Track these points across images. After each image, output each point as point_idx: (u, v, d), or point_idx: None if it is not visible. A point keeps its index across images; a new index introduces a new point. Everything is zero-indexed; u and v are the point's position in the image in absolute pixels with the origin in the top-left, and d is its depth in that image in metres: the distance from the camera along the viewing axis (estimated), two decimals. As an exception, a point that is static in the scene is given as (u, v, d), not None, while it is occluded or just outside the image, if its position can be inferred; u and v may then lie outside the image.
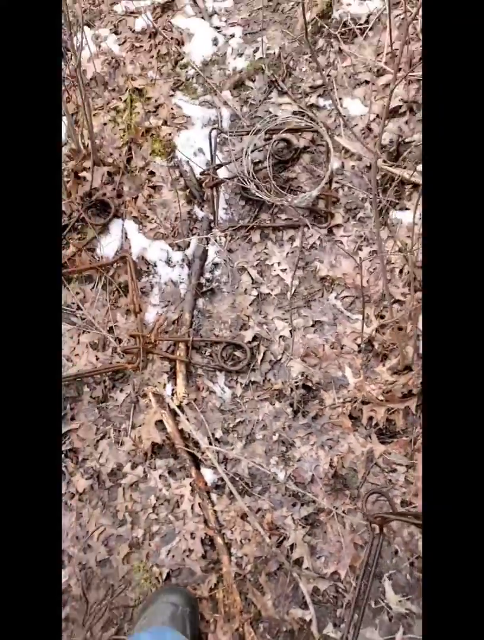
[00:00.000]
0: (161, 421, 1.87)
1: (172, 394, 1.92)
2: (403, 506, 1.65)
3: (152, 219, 2.20)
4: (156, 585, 1.66)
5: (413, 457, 1.72)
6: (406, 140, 2.15)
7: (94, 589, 1.70)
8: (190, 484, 1.78)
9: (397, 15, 2.38)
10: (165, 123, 2.38)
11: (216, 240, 2.15)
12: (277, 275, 2.07)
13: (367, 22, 2.43)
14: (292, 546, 1.67)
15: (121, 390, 1.97)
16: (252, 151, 2.19)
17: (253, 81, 2.50)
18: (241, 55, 2.59)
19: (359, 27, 2.42)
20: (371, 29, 2.41)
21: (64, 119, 2.39)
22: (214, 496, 1.77)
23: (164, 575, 1.67)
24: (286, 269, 2.07)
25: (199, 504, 1.75)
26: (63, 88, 2.39)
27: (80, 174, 2.24)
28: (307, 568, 1.63)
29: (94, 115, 2.39)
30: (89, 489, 1.83)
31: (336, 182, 2.16)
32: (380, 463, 1.74)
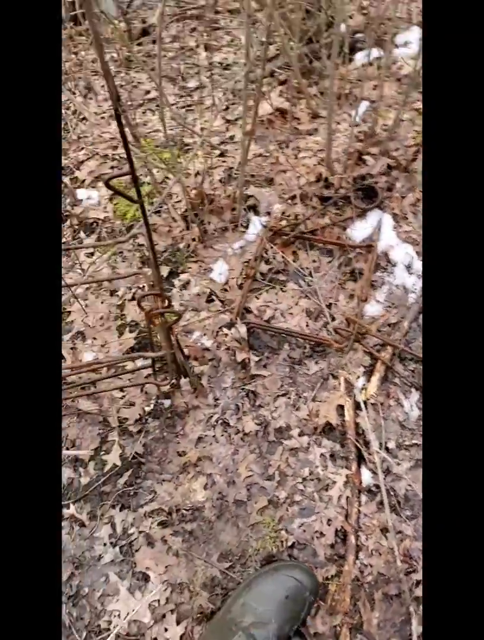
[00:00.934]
0: (342, 406, 1.90)
1: (363, 389, 1.94)
2: None
3: (411, 222, 2.21)
4: (278, 547, 1.71)
5: None
6: None
7: (223, 521, 1.79)
8: (346, 476, 1.79)
9: None
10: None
11: (464, 267, 2.10)
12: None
13: None
14: (418, 582, 1.62)
15: (316, 363, 2.02)
16: None
17: None
18: None
19: None
20: None
21: (366, 103, 2.47)
22: (363, 498, 1.76)
23: (289, 543, 1.71)
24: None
25: (347, 497, 1.75)
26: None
27: (364, 157, 2.30)
28: (425, 610, 1.58)
29: (392, 107, 2.43)
30: (254, 434, 1.92)
31: None
32: None
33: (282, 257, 2.21)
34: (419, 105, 2.50)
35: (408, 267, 2.14)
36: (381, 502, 1.74)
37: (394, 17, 3.08)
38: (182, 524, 1.77)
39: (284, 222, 2.28)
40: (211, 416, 1.95)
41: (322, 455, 1.85)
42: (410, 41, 2.90)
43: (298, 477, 1.83)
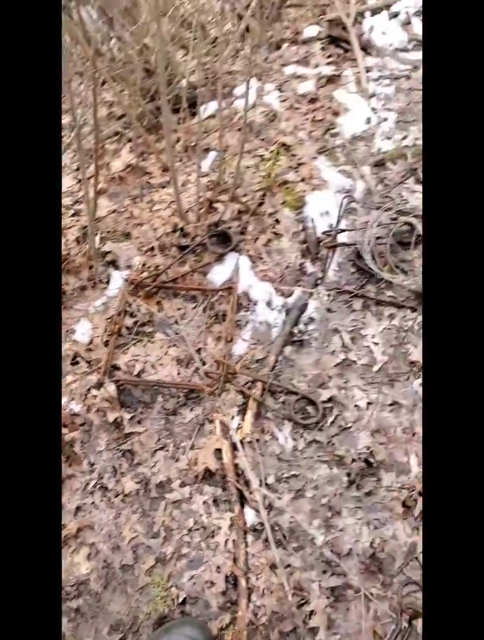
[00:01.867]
0: (219, 450, 1.92)
1: (238, 428, 1.96)
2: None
3: (266, 261, 2.31)
4: (169, 606, 1.67)
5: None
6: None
7: (110, 590, 1.73)
8: (230, 519, 1.79)
9: None
10: (302, 180, 2.51)
11: (318, 297, 2.22)
12: (368, 346, 2.10)
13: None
14: (311, 613, 1.64)
15: (191, 410, 2.04)
16: (376, 226, 2.27)
17: (394, 164, 2.61)
18: (389, 138, 2.71)
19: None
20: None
21: (213, 154, 2.58)
22: (250, 538, 1.77)
23: (180, 599, 1.68)
24: (378, 343, 2.10)
25: (233, 540, 1.75)
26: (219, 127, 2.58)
27: (214, 205, 2.39)
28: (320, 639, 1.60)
29: (243, 156, 2.55)
30: (135, 493, 1.88)
31: (450, 276, 2.19)
32: (420, 559, 1.69)
33: (147, 308, 2.23)
34: (261, 151, 2.64)
35: (268, 304, 2.22)
36: (267, 540, 1.75)
37: (232, 70, 3.27)
38: (66, 602, 1.69)
39: (145, 274, 2.30)
40: (88, 483, 1.90)
41: (205, 502, 1.85)
42: (248, 92, 3.07)
43: (184, 529, 1.81)
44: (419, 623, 1.56)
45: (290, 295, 2.25)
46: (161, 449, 1.96)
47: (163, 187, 2.62)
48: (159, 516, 1.84)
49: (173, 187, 2.26)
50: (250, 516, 1.81)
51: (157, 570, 1.75)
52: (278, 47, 3.41)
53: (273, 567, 1.71)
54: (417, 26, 3.55)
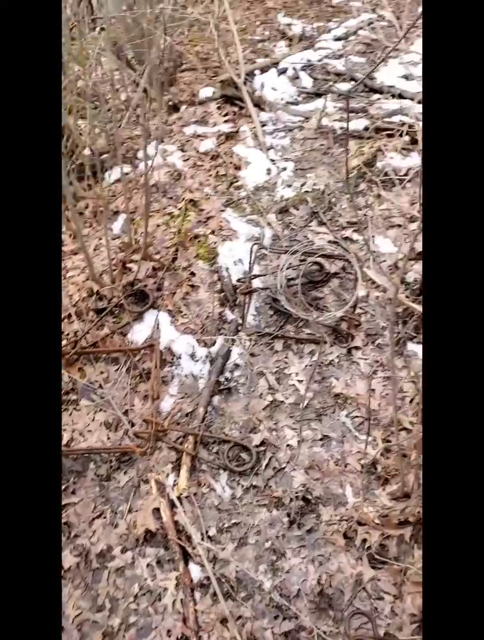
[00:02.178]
0: (158, 509, 1.89)
1: (174, 485, 1.95)
2: (385, 637, 1.61)
3: (185, 314, 2.35)
4: (122, 680, 1.61)
5: (402, 588, 1.70)
6: (431, 281, 2.30)
7: (58, 673, 1.64)
8: (176, 578, 1.76)
9: (435, 172, 2.64)
10: (212, 233, 2.60)
11: (240, 343, 2.27)
12: (294, 385, 2.16)
13: (406, 174, 2.70)
14: (268, 662, 1.62)
15: (125, 473, 2.01)
16: (287, 268, 2.36)
17: (297, 209, 2.74)
18: (289, 186, 2.86)
19: (398, 177, 2.68)
20: (409, 181, 2.67)
21: (123, 216, 2.64)
22: (197, 595, 1.74)
23: (133, 671, 1.62)
24: (302, 380, 2.16)
25: (181, 600, 1.72)
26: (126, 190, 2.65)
27: (128, 265, 2.43)
28: None
29: (150, 216, 2.62)
30: (75, 567, 1.82)
31: (360, 308, 2.30)
32: (368, 588, 1.71)
33: (69, 376, 2.21)
34: (170, 209, 2.73)
35: (192, 356, 2.25)
36: (215, 594, 1.73)
37: (134, 135, 3.37)
38: None
39: (63, 342, 2.29)
40: (24, 562, 1.82)
41: (148, 565, 1.81)
42: (146, 153, 3.18)
43: (129, 597, 1.76)
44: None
45: (213, 344, 2.29)
46: (98, 516, 1.92)
47: (75, 254, 2.64)
48: (103, 587, 1.78)
49: (84, 253, 2.28)
50: (195, 572, 1.78)
51: (106, 645, 1.69)
52: (177, 109, 3.57)
53: (224, 621, 1.68)
54: (305, 80, 3.81)
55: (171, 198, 2.83)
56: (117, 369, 2.25)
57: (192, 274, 2.48)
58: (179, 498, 1.91)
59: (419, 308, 2.18)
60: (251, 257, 2.46)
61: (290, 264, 2.40)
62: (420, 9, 4.74)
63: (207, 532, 1.86)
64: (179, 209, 2.72)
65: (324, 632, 1.64)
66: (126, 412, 2.13)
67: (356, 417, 2.07)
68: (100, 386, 2.19)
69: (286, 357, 2.24)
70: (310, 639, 1.64)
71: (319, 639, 1.63)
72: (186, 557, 1.82)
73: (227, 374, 2.22)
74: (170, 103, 3.60)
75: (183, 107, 3.57)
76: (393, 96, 3.43)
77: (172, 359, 2.26)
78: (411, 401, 2.04)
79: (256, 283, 2.44)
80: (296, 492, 1.89)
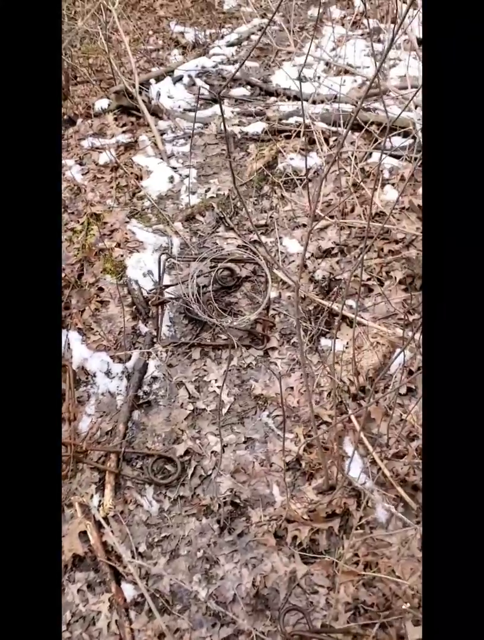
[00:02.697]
0: (84, 532, 1.84)
1: (99, 505, 1.90)
2: (322, 629, 1.64)
3: (96, 331, 2.30)
4: None
5: (334, 579, 1.73)
6: (337, 277, 2.38)
7: None
8: (109, 599, 1.72)
9: (333, 171, 2.73)
10: (118, 245, 2.57)
11: (157, 355, 2.25)
12: (214, 391, 2.16)
13: (307, 174, 2.77)
14: (210, 673, 1.61)
15: (47, 499, 1.94)
16: (198, 276, 2.36)
17: (203, 216, 2.76)
18: (193, 193, 2.87)
19: (299, 178, 2.74)
20: (310, 180, 2.74)
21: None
22: (132, 613, 1.70)
23: None
24: (222, 386, 2.17)
25: (116, 621, 1.68)
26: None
27: (32, 285, 2.35)
28: None
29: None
30: (1, 604, 1.74)
31: (273, 309, 2.34)
32: (302, 584, 1.74)
33: (-21, 406, 2.10)
34: (72, 225, 2.66)
35: (107, 373, 2.21)
36: (150, 610, 1.70)
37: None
38: None
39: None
40: None
41: (79, 590, 1.76)
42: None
43: (62, 625, 1.70)
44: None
45: (128, 359, 2.26)
46: (22, 549, 1.84)
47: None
48: (33, 622, 1.71)
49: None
50: (129, 591, 1.74)
51: (41, 682, 1.62)
52: (73, 123, 3.49)
53: (161, 636, 1.65)
54: (201, 87, 3.83)
55: (72, 213, 2.77)
56: (30, 394, 2.16)
57: (100, 289, 2.43)
58: (105, 518, 1.87)
59: (327, 304, 2.25)
60: (160, 267, 2.44)
61: (201, 271, 2.40)
62: (309, 12, 4.89)
63: (137, 549, 1.82)
64: (82, 223, 2.66)
65: (262, 633, 1.65)
66: (43, 437, 2.06)
67: (278, 416, 2.10)
68: (13, 413, 2.10)
69: (204, 365, 2.24)
70: (249, 642, 1.64)
71: (258, 640, 1.64)
72: (118, 577, 1.78)
73: (146, 388, 2.19)
74: (65, 117, 3.52)
75: (79, 120, 3.50)
76: (288, 98, 3.51)
77: (87, 377, 2.21)
78: (328, 395, 2.10)
79: (168, 293, 2.42)
80: (224, 498, 1.90)
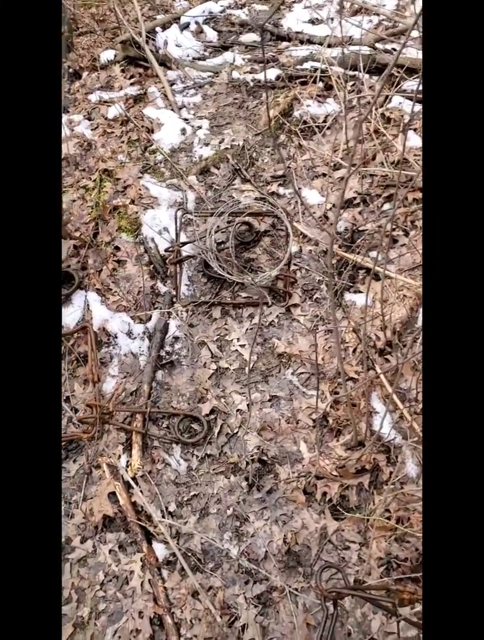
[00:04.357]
0: (113, 493, 1.84)
1: (127, 466, 1.90)
2: (355, 585, 1.64)
3: (115, 291, 2.26)
4: (99, 670, 1.58)
5: (366, 534, 1.73)
6: (360, 228, 2.30)
7: (32, 674, 1.59)
8: (141, 559, 1.73)
9: (351, 117, 2.61)
10: (132, 202, 2.49)
11: (177, 315, 2.21)
12: (236, 350, 2.13)
13: (325, 121, 2.66)
14: (244, 627, 1.62)
15: (74, 461, 1.94)
16: (215, 232, 2.30)
17: (218, 168, 2.66)
18: (207, 145, 2.77)
19: (317, 125, 2.63)
20: (328, 128, 2.63)
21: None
22: (165, 572, 1.72)
23: (109, 658, 1.59)
24: (245, 345, 2.13)
25: (149, 580, 1.69)
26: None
27: (47, 246, 2.30)
28: (259, 650, 1.58)
29: (63, 192, 2.48)
30: (34, 565, 1.75)
31: (294, 265, 2.28)
32: (333, 540, 1.73)
33: (1, 370, 2.09)
34: (84, 182, 2.58)
35: (129, 334, 2.18)
36: (183, 569, 1.71)
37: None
38: None
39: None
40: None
41: (111, 551, 1.77)
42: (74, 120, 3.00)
43: (95, 585, 1.71)
44: (346, 603, 1.60)
45: (149, 319, 2.22)
46: (52, 511, 1.85)
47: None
48: (67, 579, 1.73)
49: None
50: (160, 550, 1.75)
51: (78, 637, 1.64)
52: (78, 76, 3.36)
53: (195, 594, 1.67)
54: (210, 33, 3.67)
55: (83, 170, 2.69)
56: (51, 356, 2.14)
57: (117, 248, 2.37)
58: (134, 478, 1.87)
59: (352, 257, 2.18)
60: (176, 223, 2.37)
61: (218, 226, 2.33)
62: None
63: (167, 508, 1.82)
64: (94, 180, 2.58)
65: (296, 589, 1.65)
66: (67, 399, 2.05)
67: (302, 373, 2.06)
68: (36, 376, 2.09)
69: (225, 324, 2.19)
70: (283, 597, 1.65)
71: (291, 596, 1.65)
72: (149, 536, 1.78)
73: (168, 348, 2.16)
74: (70, 70, 3.39)
75: (85, 74, 3.37)
76: (301, 42, 3.36)
77: (109, 339, 2.17)
78: (354, 351, 2.05)
79: (186, 251, 2.36)
80: (252, 455, 1.88)
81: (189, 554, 1.74)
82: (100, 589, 1.71)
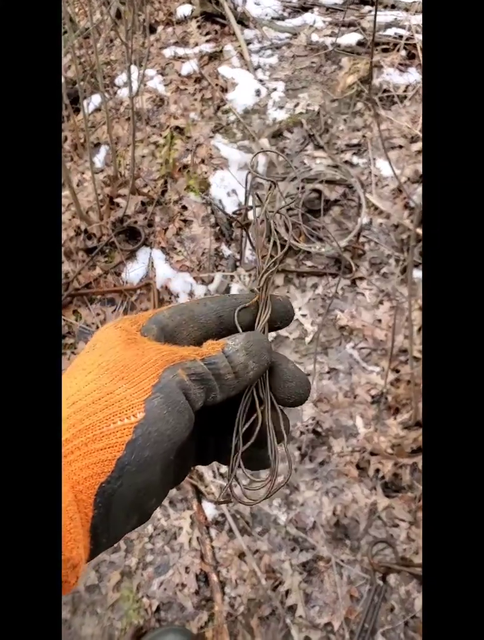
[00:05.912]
0: (167, 450, 1.86)
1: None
2: (402, 563, 1.63)
3: (180, 251, 2.25)
4: (144, 617, 1.62)
5: (417, 514, 1.70)
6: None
7: (80, 614, 1.65)
8: (190, 516, 1.75)
9: (434, 88, 2.50)
10: (202, 162, 2.46)
11: (240, 279, 2.19)
12: (297, 319, 2.10)
13: (405, 91, 2.56)
14: (287, 592, 1.63)
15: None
16: (285, 197, 2.25)
17: (291, 133, 2.60)
18: (281, 108, 2.70)
19: (397, 95, 2.53)
20: (409, 98, 2.53)
21: (105, 147, 2.48)
22: (213, 532, 1.74)
23: (154, 608, 1.63)
24: (306, 315, 2.10)
25: (197, 538, 1.72)
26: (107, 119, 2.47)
27: (115, 200, 2.30)
28: (300, 616, 1.59)
29: (135, 146, 2.47)
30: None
31: (363, 237, 2.22)
32: (383, 517, 1.72)
33: (64, 320, 2.12)
34: (154, 138, 2.57)
35: (190, 294, 2.17)
36: (231, 530, 1.73)
37: (110, 60, 3.14)
38: (35, 638, 1.60)
39: (56, 285, 2.19)
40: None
41: (161, 506, 1.79)
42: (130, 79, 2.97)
43: (144, 537, 1.75)
44: (391, 579, 1.59)
45: (211, 281, 2.21)
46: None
47: (59, 190, 2.49)
48: (117, 530, 1.77)
49: (68, 188, 2.15)
50: (209, 510, 1.77)
51: (125, 584, 1.69)
52: (153, 31, 3.32)
53: (242, 555, 1.69)
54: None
55: (154, 126, 2.67)
56: (114, 310, 2.16)
57: (184, 207, 2.36)
58: (187, 438, 1.88)
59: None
60: (245, 187, 2.33)
61: (288, 192, 2.29)
62: None
63: (218, 469, 1.84)
64: (164, 137, 2.56)
65: (342, 560, 1.65)
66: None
67: (363, 348, 2.03)
68: (98, 328, 2.11)
69: (288, 292, 2.16)
70: (328, 567, 1.65)
71: (337, 567, 1.65)
72: (199, 495, 1.80)
73: (228, 311, 2.15)
74: (145, 24, 3.34)
75: (160, 28, 3.32)
76: (386, 7, 3.21)
77: (170, 297, 2.18)
78: (419, 330, 2.00)
79: (252, 215, 2.33)
80: (306, 425, 1.87)
81: (238, 517, 1.75)
82: (149, 541, 1.74)
